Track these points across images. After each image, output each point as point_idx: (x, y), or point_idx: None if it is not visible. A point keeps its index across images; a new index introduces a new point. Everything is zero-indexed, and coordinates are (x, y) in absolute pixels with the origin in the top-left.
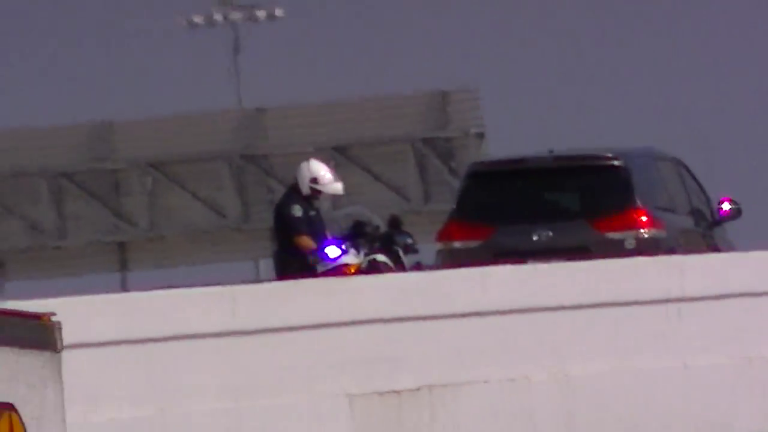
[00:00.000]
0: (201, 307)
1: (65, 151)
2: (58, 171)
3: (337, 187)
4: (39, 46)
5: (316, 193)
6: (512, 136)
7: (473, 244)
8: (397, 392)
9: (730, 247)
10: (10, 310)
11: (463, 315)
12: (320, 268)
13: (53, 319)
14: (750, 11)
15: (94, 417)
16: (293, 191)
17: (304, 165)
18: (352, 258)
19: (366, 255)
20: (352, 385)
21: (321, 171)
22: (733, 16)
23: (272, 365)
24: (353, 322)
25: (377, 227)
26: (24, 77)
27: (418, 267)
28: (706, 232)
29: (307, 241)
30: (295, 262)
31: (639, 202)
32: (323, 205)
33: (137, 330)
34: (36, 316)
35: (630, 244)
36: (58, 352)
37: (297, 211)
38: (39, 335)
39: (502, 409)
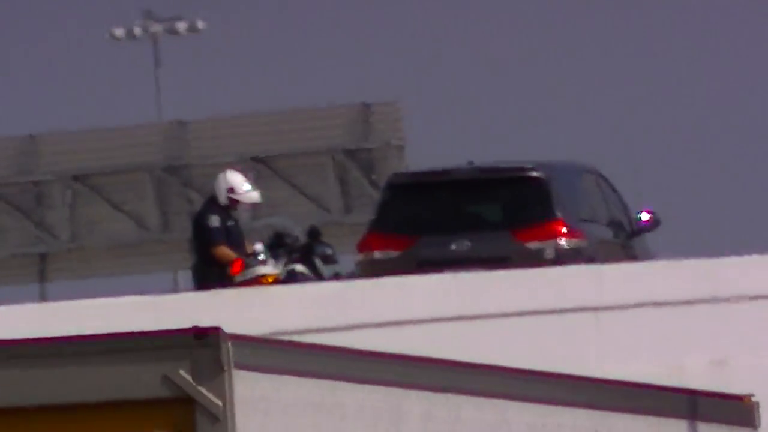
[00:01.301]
0: (122, 316)
1: None
2: None
3: (254, 196)
4: None
5: (233, 203)
6: (433, 148)
7: (393, 254)
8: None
9: (649, 257)
10: (711, 392)
11: (384, 324)
12: (238, 278)
13: (753, 399)
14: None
15: None
16: (211, 202)
17: (221, 176)
18: (271, 268)
19: (285, 265)
20: None
21: (238, 181)
22: (649, 29)
23: None
24: (273, 333)
25: (296, 238)
26: None
27: (337, 277)
28: (625, 242)
29: (223, 251)
30: (213, 274)
31: (558, 213)
32: (242, 216)
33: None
34: (738, 398)
35: (549, 254)
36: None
37: (214, 221)
38: (740, 415)
39: None
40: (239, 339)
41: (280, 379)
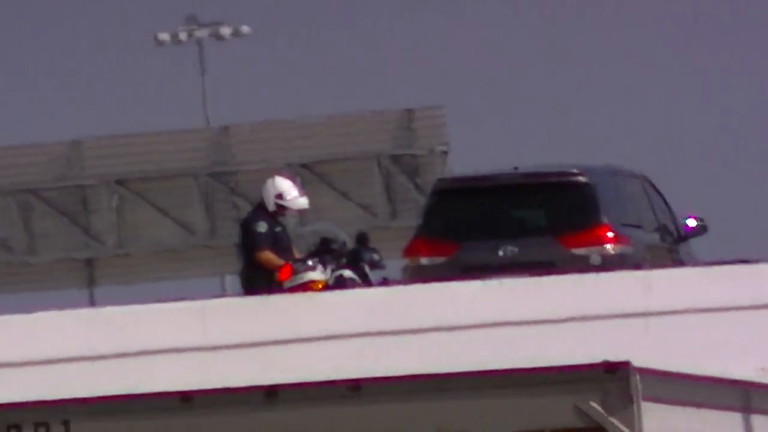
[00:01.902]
0: (171, 322)
1: (34, 169)
2: (27, 188)
3: (302, 202)
4: (6, 64)
5: (281, 209)
6: (477, 153)
7: (439, 259)
8: None
9: (695, 263)
10: None
11: (432, 329)
12: (287, 284)
13: None
14: (709, 32)
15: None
16: (259, 208)
17: (269, 182)
18: (319, 274)
19: (333, 271)
20: None
21: (286, 187)
22: (700, 39)
23: (243, 379)
24: (322, 338)
25: (344, 243)
26: None
27: (385, 283)
28: (671, 247)
29: (269, 257)
30: (261, 279)
31: (604, 218)
32: (290, 222)
33: (107, 345)
34: None
35: (595, 259)
36: None
37: (261, 227)
38: None
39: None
40: (647, 372)
41: (687, 411)
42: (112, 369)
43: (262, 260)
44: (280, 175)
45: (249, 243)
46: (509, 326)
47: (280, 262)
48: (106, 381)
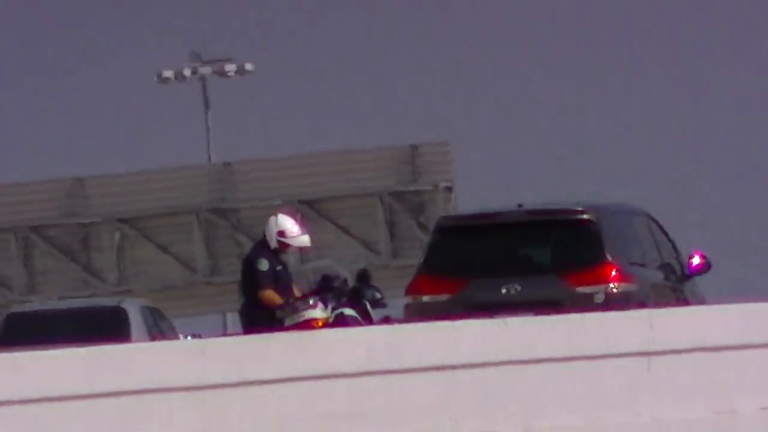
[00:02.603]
0: (171, 360)
1: (36, 207)
2: (28, 226)
3: (304, 240)
4: (8, 101)
5: (283, 247)
6: (482, 190)
7: (442, 297)
8: None
9: (700, 301)
10: None
11: (434, 368)
12: (288, 322)
13: None
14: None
15: None
16: (261, 245)
17: (272, 219)
18: (319, 312)
19: (333, 309)
20: None
21: (288, 224)
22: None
23: (242, 418)
24: (322, 376)
25: (345, 281)
26: None
27: (386, 321)
28: (676, 285)
29: (270, 296)
30: (261, 317)
31: (609, 257)
32: (291, 259)
33: (110, 383)
34: None
35: (600, 298)
36: None
37: (263, 265)
38: None
39: None
40: None
41: None
42: (110, 408)
43: (264, 299)
44: (283, 212)
45: (251, 280)
46: (512, 365)
47: (281, 300)
48: (105, 419)
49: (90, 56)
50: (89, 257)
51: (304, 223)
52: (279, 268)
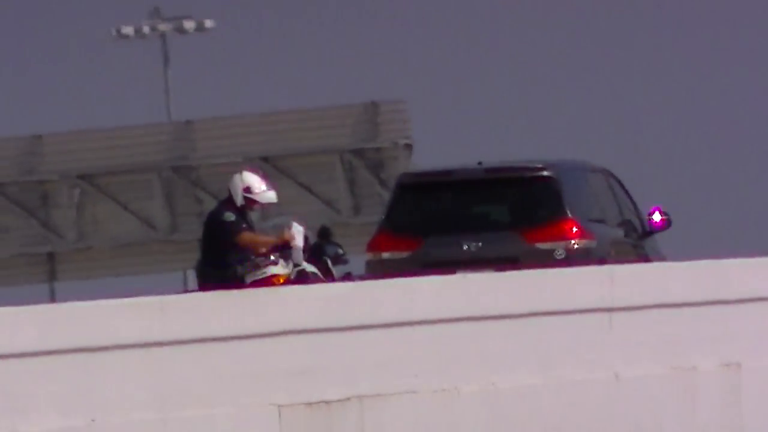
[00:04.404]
0: (130, 317)
1: None
2: None
3: (271, 196)
4: None
5: (250, 203)
6: (441, 147)
7: (403, 254)
8: (327, 403)
9: (660, 258)
10: None
11: (392, 325)
12: (249, 279)
13: None
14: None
15: (23, 427)
16: (226, 202)
17: (236, 176)
18: (281, 269)
19: (295, 266)
20: (280, 395)
21: (254, 180)
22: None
23: (201, 376)
24: (282, 333)
25: (306, 238)
26: None
27: (348, 277)
28: (636, 242)
29: (251, 237)
30: (216, 274)
31: (569, 213)
32: (254, 217)
33: (66, 340)
34: None
35: (560, 254)
36: None
37: (230, 216)
38: None
39: (431, 420)
40: None
41: None
42: (69, 364)
43: (245, 242)
44: (248, 169)
45: (222, 232)
46: (471, 322)
47: (264, 238)
48: (64, 377)
49: (48, 11)
50: (48, 214)
51: (268, 179)
52: (244, 226)
